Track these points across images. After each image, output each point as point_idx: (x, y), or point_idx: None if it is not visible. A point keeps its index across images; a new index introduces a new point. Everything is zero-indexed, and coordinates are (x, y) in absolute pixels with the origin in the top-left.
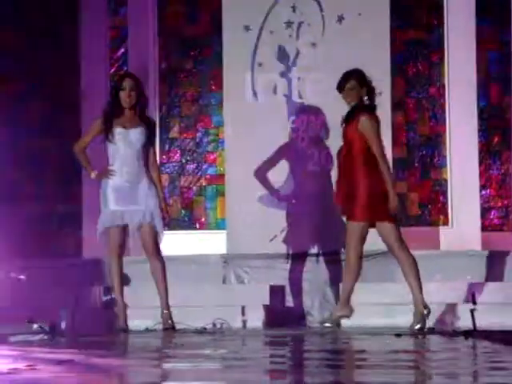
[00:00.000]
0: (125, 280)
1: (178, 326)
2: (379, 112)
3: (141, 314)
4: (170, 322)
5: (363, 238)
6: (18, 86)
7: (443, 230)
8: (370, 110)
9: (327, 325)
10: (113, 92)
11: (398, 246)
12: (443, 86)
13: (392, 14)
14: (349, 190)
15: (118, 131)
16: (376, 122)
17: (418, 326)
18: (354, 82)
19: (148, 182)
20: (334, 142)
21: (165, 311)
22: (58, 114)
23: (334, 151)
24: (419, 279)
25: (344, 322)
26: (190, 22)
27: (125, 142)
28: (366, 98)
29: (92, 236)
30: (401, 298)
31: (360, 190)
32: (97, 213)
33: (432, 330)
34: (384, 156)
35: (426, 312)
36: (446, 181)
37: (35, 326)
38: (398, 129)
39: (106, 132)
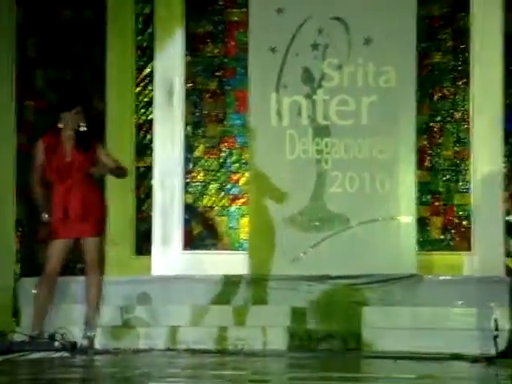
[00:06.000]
0: (146, 299)
1: (200, 347)
2: (405, 135)
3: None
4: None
5: None
6: (49, 103)
7: (466, 256)
8: None
9: None
10: None
11: None
12: (468, 111)
13: (419, 37)
14: None
15: None
16: None
17: None
18: None
19: None
20: (358, 165)
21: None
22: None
23: (357, 173)
24: None
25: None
26: (216, 43)
27: None
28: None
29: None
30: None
31: None
32: None
33: None
34: None
35: None
36: (469, 206)
37: (57, 343)
38: (423, 153)
39: None
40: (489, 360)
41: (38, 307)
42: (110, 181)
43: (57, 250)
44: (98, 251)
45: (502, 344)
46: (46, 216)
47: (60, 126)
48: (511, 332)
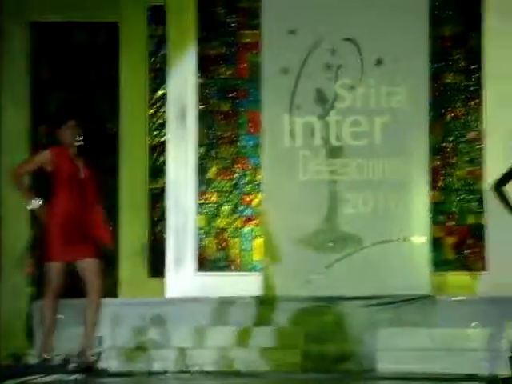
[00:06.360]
0: (160, 321)
1: (213, 368)
2: (418, 156)
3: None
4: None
5: None
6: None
7: (480, 276)
8: None
9: None
10: None
11: None
12: (481, 131)
13: (431, 57)
14: None
15: None
16: None
17: None
18: None
19: None
20: (371, 186)
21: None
22: (96, 153)
23: (370, 194)
24: None
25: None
26: (228, 64)
27: None
28: None
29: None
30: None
31: None
32: None
33: None
34: None
35: None
36: (483, 226)
37: (71, 365)
38: (436, 173)
39: None
40: (504, 381)
41: (46, 329)
42: (124, 202)
43: (56, 271)
44: (99, 273)
45: None
46: (37, 201)
47: (61, 139)
48: None
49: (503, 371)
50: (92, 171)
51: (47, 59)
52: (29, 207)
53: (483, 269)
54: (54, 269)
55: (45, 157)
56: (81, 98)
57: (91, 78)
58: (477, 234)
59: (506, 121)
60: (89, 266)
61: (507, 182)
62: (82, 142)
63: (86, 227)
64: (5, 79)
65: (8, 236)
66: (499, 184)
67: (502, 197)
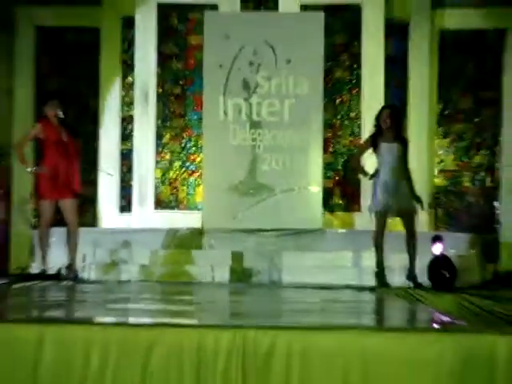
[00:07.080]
0: (127, 244)
1: (166, 279)
2: (315, 129)
3: None
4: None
5: None
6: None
7: (356, 215)
8: None
9: None
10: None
11: None
12: (360, 111)
13: (325, 58)
14: None
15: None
16: None
17: None
18: None
19: None
20: (281, 150)
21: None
22: (78, 118)
23: (280, 156)
24: None
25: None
26: (180, 60)
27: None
28: None
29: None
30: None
31: None
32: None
33: None
34: None
35: None
36: (359, 180)
37: (62, 275)
38: (328, 141)
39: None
40: (371, 289)
41: (42, 248)
42: (102, 159)
43: (46, 207)
44: (76, 210)
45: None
46: (34, 168)
47: (46, 114)
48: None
49: (370, 282)
50: (72, 137)
51: (49, 55)
52: (28, 170)
53: (358, 210)
54: (45, 205)
55: (37, 129)
56: (71, 84)
57: (78, 68)
58: (355, 185)
59: (376, 104)
60: (68, 205)
61: (361, 155)
62: (62, 116)
63: (67, 177)
64: (17, 71)
65: (18, 184)
66: (356, 157)
67: (356, 166)
